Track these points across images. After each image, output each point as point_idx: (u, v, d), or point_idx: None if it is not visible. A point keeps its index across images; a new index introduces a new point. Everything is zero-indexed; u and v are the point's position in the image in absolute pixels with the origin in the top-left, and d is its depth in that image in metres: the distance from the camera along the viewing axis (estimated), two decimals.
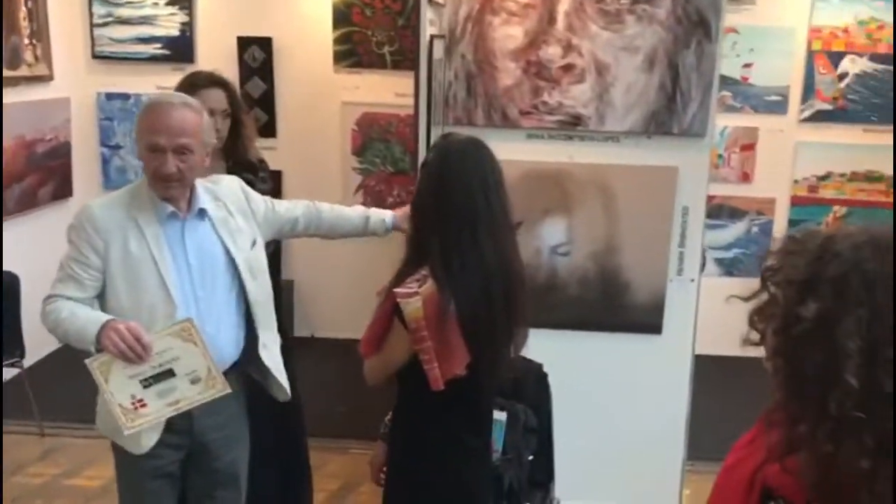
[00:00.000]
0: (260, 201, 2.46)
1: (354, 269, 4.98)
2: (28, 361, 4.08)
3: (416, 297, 1.84)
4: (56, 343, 4.92)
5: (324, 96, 5.13)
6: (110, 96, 5.23)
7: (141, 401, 2.13)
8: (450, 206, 1.90)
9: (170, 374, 2.13)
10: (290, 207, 2.56)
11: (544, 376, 2.89)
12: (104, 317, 2.13)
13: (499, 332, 1.98)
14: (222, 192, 2.36)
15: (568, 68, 3.06)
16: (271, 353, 2.42)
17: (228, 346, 2.31)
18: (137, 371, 2.11)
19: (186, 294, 2.22)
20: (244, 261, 2.31)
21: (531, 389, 2.79)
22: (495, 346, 1.99)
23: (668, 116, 3.07)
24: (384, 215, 2.64)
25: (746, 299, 1.23)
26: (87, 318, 2.13)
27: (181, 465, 2.38)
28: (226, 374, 2.27)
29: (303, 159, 5.14)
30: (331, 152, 5.22)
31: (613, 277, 3.21)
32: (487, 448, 2.22)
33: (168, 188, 2.19)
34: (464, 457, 2.08)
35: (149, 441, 2.24)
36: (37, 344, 4.32)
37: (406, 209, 2.42)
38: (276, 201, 2.55)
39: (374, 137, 5.24)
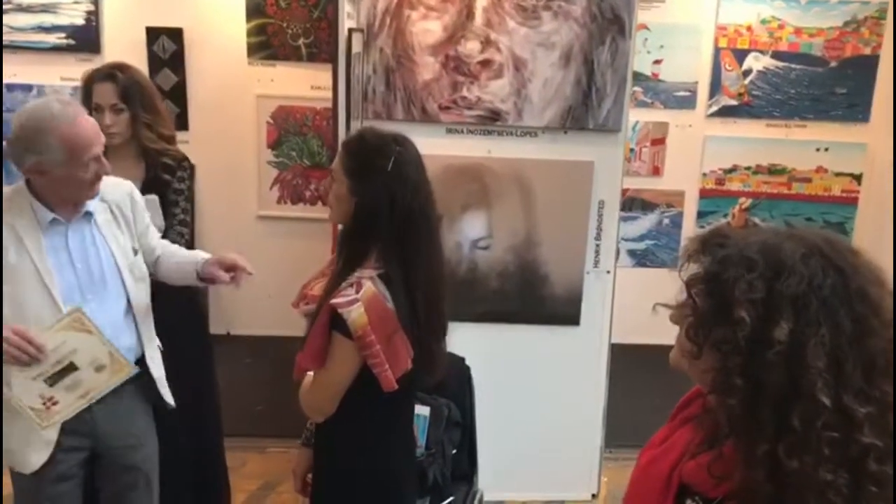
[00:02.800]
0: (142, 216, 2.39)
1: (271, 265, 4.90)
2: None
3: (357, 304, 1.81)
4: None
5: (238, 89, 5.02)
6: (11, 87, 4.98)
7: (52, 398, 2.09)
8: (411, 212, 1.88)
9: (72, 367, 2.09)
10: (159, 243, 2.48)
11: (466, 370, 2.92)
12: None
13: (434, 328, 1.98)
14: (108, 192, 2.26)
15: (486, 63, 3.08)
16: (156, 362, 2.37)
17: (126, 353, 2.24)
18: (38, 371, 2.05)
19: (76, 300, 2.14)
20: (126, 266, 2.24)
21: (453, 383, 2.81)
22: (431, 340, 1.98)
23: (583, 112, 3.12)
24: (198, 263, 2.45)
25: (673, 308, 1.21)
26: None
27: (86, 466, 2.32)
28: (126, 382, 2.23)
29: (217, 153, 5.02)
30: (245, 146, 5.11)
31: (533, 270, 3.26)
32: (413, 440, 2.21)
33: (97, 189, 2.18)
34: (397, 453, 2.07)
35: (39, 459, 2.18)
36: None
37: (219, 258, 2.38)
38: (151, 228, 2.46)
39: (289, 131, 5.16)
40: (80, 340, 2.08)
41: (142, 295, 2.30)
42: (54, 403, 2.10)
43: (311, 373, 2.00)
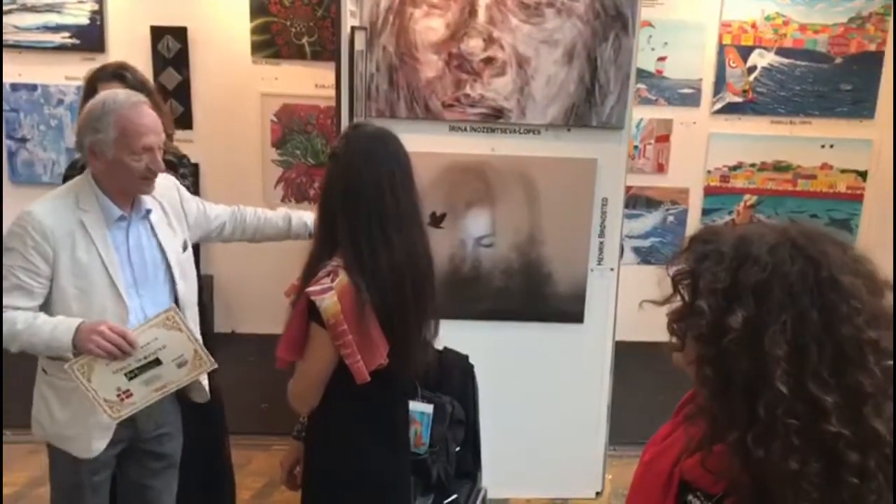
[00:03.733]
0: (193, 203, 2.44)
1: (275, 263, 4.88)
2: None
3: (331, 292, 1.81)
4: None
5: (242, 87, 5.02)
6: (16, 87, 4.99)
7: (127, 392, 2.13)
8: (358, 198, 1.88)
9: (156, 363, 2.13)
10: (218, 213, 2.55)
11: (470, 368, 2.92)
12: (73, 321, 2.08)
13: (411, 322, 1.97)
14: (159, 191, 2.32)
15: (489, 61, 3.08)
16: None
17: None
18: (122, 365, 2.10)
19: (132, 295, 2.20)
20: (177, 262, 2.31)
21: (457, 381, 2.82)
22: (408, 335, 1.97)
23: (587, 109, 3.12)
24: (306, 218, 2.62)
25: (660, 304, 1.22)
26: (54, 327, 2.08)
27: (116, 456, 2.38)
28: None
29: (221, 152, 5.03)
30: (250, 144, 5.12)
31: (536, 268, 3.26)
32: (406, 439, 2.21)
33: (150, 187, 2.21)
34: (383, 452, 2.06)
35: (100, 445, 2.24)
36: None
37: None
38: (206, 204, 2.52)
39: (294, 129, 5.16)
40: (170, 338, 2.13)
41: (189, 292, 2.35)
42: (129, 396, 2.14)
43: None
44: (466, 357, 2.93)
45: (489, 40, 3.06)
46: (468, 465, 2.83)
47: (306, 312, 1.86)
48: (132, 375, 2.12)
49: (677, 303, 1.21)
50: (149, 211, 2.26)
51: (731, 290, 1.10)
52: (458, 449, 2.74)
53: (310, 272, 1.90)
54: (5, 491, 3.58)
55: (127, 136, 2.11)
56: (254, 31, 4.97)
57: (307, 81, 5.03)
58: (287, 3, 4.95)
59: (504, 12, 3.05)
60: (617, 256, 3.31)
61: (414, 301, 1.94)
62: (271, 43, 4.99)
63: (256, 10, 4.94)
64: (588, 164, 3.19)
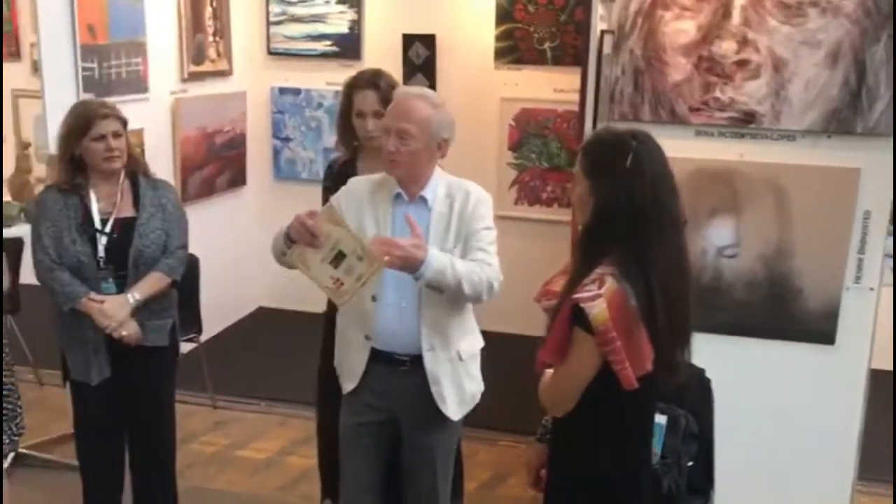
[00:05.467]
0: (479, 222, 2.53)
1: (519, 265, 4.99)
2: (203, 337, 4.35)
3: (600, 298, 1.82)
4: (229, 320, 5.27)
5: (483, 92, 5.18)
6: (283, 91, 5.50)
7: (338, 280, 2.37)
8: (635, 205, 1.87)
9: (342, 255, 2.35)
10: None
11: (707, 382, 2.81)
12: None
13: (677, 330, 1.94)
14: (458, 193, 2.53)
15: (742, 64, 2.95)
16: (437, 360, 2.51)
17: (413, 334, 2.47)
18: (322, 255, 2.35)
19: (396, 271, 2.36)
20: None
21: (693, 395, 2.71)
22: (673, 343, 1.95)
23: (851, 114, 2.90)
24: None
25: None
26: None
27: (389, 442, 2.60)
28: (415, 363, 2.49)
29: (460, 154, 5.14)
30: (487, 147, 5.27)
31: (783, 282, 3.07)
32: (649, 448, 2.17)
33: (390, 167, 2.44)
34: (630, 457, 2.05)
35: (349, 385, 2.59)
36: (212, 321, 4.63)
37: None
38: (483, 245, 2.53)
39: (530, 133, 5.25)
40: (338, 233, 2.35)
41: (435, 295, 2.44)
42: (341, 284, 2.37)
43: (549, 370, 2.03)
44: (703, 370, 2.82)
45: (743, 42, 2.93)
46: (700, 481, 2.71)
47: (571, 318, 1.88)
48: (334, 265, 2.35)
49: None
50: (423, 198, 2.48)
51: None
52: (690, 464, 2.65)
53: (576, 279, 1.92)
54: (260, 456, 3.94)
55: None
56: (498, 38, 5.11)
57: (546, 86, 5.10)
58: (531, 10, 5.04)
59: (761, 13, 2.91)
60: (878, 275, 3.04)
61: (680, 308, 1.92)
62: (514, 49, 5.11)
63: (502, 16, 5.08)
64: (849, 174, 2.96)
